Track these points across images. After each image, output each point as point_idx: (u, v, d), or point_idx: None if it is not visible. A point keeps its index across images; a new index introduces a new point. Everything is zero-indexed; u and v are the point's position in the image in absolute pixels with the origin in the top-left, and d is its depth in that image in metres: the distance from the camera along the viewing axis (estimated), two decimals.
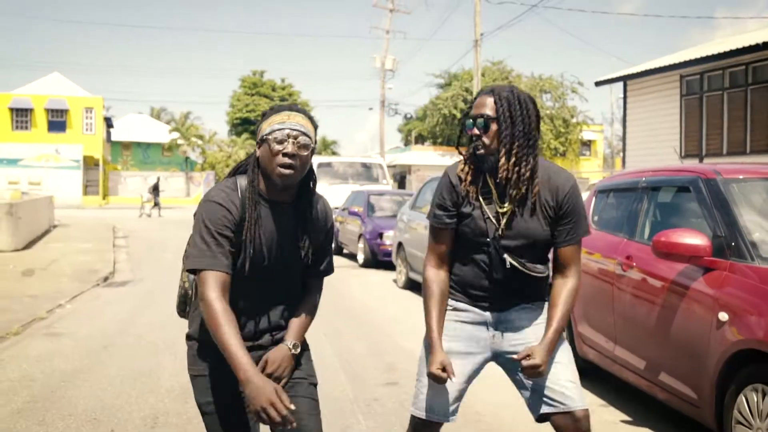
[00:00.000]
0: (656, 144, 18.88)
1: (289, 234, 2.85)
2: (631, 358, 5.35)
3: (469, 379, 3.23)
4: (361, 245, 16.10)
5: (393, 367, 6.89)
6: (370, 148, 62.22)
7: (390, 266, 14.42)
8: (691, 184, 5.17)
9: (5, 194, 24.23)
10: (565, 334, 3.16)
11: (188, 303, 3.00)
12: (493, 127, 3.02)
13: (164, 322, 8.64)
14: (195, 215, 2.77)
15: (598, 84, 22.91)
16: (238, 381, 2.55)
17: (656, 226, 5.46)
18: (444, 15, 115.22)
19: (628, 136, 21.67)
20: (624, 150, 21.83)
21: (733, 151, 17.62)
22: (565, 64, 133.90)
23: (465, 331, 3.20)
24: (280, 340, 2.88)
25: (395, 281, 13.31)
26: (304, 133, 2.76)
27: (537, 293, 3.22)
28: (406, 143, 56.89)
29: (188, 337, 2.93)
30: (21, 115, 51.09)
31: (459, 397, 3.21)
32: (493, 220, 3.08)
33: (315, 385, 3.00)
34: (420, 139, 53.58)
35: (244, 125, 67.69)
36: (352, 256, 17.37)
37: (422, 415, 3.17)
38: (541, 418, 3.10)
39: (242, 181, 2.81)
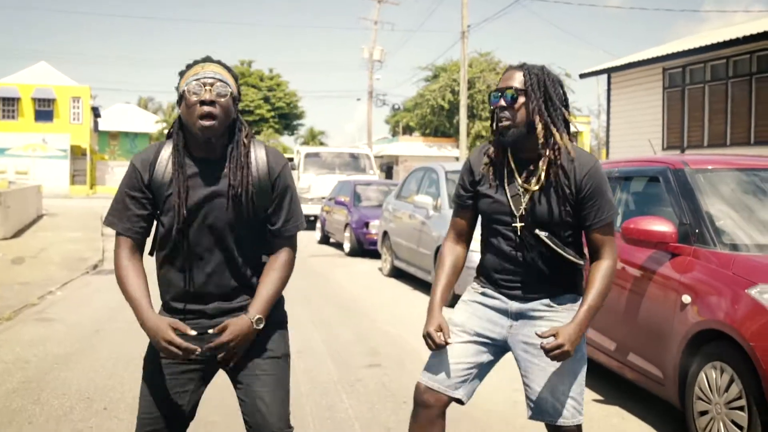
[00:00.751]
0: (639, 136, 19.14)
1: (220, 192, 2.74)
2: (602, 340, 5.60)
3: (477, 360, 3.13)
4: (347, 234, 16.31)
5: (376, 351, 7.12)
6: (358, 139, 62.34)
7: (376, 255, 14.63)
8: (660, 174, 5.40)
9: None
10: (585, 345, 3.11)
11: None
12: (521, 100, 2.96)
13: (153, 307, 8.85)
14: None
15: (582, 76, 23.16)
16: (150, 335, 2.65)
17: (628, 214, 5.69)
18: (432, 6, 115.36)
19: (611, 128, 21.93)
20: (608, 141, 22.11)
21: (713, 143, 17.91)
22: (552, 56, 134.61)
23: (485, 313, 3.16)
24: (233, 310, 2.80)
25: (380, 269, 13.53)
26: (221, 80, 2.69)
27: (569, 282, 3.12)
28: (394, 134, 57.00)
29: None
30: (8, 105, 50.97)
31: (466, 374, 3.11)
32: (518, 199, 3.02)
33: (279, 357, 2.87)
34: (408, 130, 53.70)
35: None
36: (339, 245, 17.58)
37: (426, 382, 3.11)
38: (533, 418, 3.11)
39: (168, 144, 2.79)
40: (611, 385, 5.86)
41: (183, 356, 2.62)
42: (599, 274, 2.99)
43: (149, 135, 64.22)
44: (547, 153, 2.97)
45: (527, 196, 3.02)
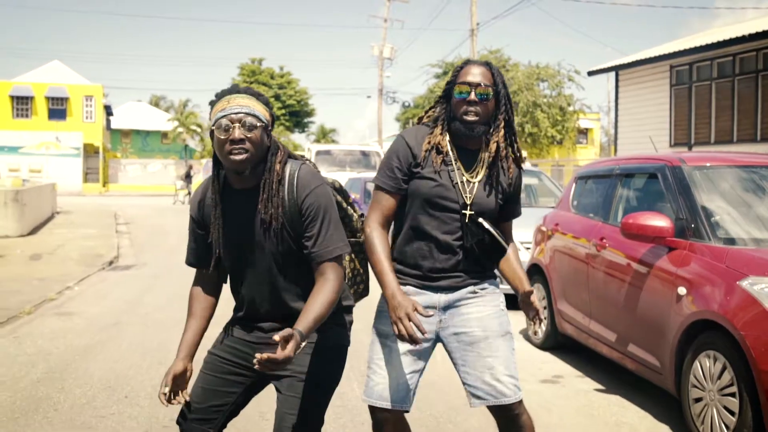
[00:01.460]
0: (646, 132, 19.21)
1: (254, 221, 2.77)
2: (603, 331, 5.80)
3: (417, 367, 3.18)
4: None
5: None
6: (368, 136, 62.61)
7: None
8: (659, 171, 5.60)
9: (6, 182, 24.59)
10: (509, 323, 3.24)
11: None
12: (491, 98, 3.09)
13: (169, 302, 9.12)
14: None
15: (591, 74, 23.30)
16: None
17: (628, 210, 5.89)
18: (441, 4, 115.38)
19: (620, 125, 22.07)
20: (616, 138, 22.25)
21: (720, 140, 18.04)
22: (561, 53, 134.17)
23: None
24: (282, 328, 2.72)
25: None
26: (250, 114, 2.68)
27: (491, 269, 3.27)
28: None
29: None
30: (21, 103, 51.37)
31: (410, 385, 3.16)
32: (463, 187, 3.11)
33: (317, 384, 2.85)
34: None
35: None
36: None
37: (376, 402, 3.13)
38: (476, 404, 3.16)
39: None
40: (612, 375, 6.06)
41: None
42: (514, 255, 3.31)
43: (161, 133, 64.58)
44: (494, 148, 3.11)
45: (471, 186, 3.12)
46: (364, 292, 3.33)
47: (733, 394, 4.24)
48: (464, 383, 3.16)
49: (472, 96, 3.05)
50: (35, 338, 7.38)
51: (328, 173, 22.31)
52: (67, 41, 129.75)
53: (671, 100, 19.74)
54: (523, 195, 5.92)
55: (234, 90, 2.76)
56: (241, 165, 2.66)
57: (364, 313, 3.74)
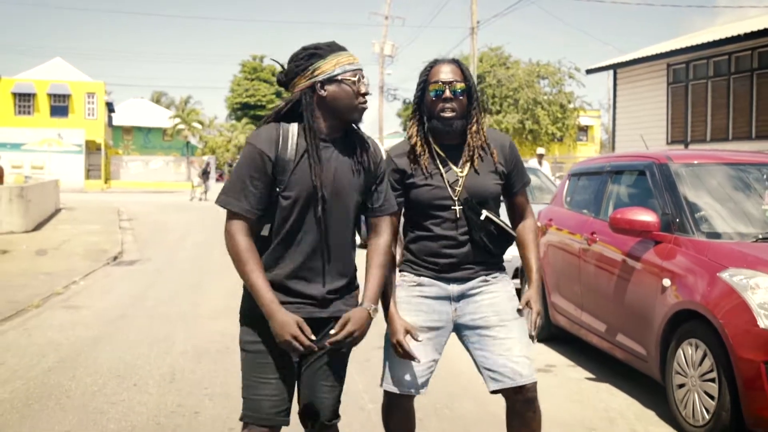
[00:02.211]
0: (644, 130, 19.42)
1: (347, 168, 2.91)
2: (594, 322, 6.03)
3: (435, 357, 3.32)
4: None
5: (383, 332, 7.55)
6: (369, 133, 62.43)
7: None
8: (647, 169, 5.83)
9: (9, 178, 24.81)
10: (520, 306, 3.33)
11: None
12: (464, 93, 3.25)
13: (173, 296, 9.40)
14: (239, 156, 2.89)
15: (589, 72, 23.54)
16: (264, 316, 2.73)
17: (618, 205, 6.11)
18: (442, 1, 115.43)
19: (617, 122, 22.29)
20: (613, 135, 22.47)
21: (716, 138, 18.27)
22: (562, 52, 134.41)
23: (428, 305, 3.31)
24: (337, 296, 2.93)
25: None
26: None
27: (501, 258, 3.39)
28: (405, 128, 57.36)
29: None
30: (24, 100, 51.58)
31: (427, 372, 3.31)
32: (456, 183, 3.25)
33: (344, 353, 3.00)
34: None
35: (243, 110, 68.24)
36: None
37: (394, 389, 3.29)
38: (494, 391, 3.26)
39: (288, 125, 2.88)
40: (603, 364, 6.29)
41: (303, 351, 2.75)
42: (531, 234, 3.44)
43: (162, 130, 64.79)
44: (473, 137, 3.27)
45: (463, 179, 3.26)
46: None
47: (712, 380, 4.47)
48: (482, 368, 3.28)
49: (447, 93, 3.22)
50: (44, 330, 7.61)
51: None
52: (69, 38, 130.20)
53: (668, 98, 19.96)
54: None
55: (344, 48, 2.95)
56: (361, 116, 2.96)
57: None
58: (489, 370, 3.23)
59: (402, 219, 3.42)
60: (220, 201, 2.83)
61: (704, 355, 4.55)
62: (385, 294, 3.21)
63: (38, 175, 41.12)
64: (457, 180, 3.26)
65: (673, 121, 19.81)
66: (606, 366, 6.24)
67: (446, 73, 3.25)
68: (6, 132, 49.55)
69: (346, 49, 2.94)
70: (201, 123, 63.65)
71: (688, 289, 4.79)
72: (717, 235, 5.05)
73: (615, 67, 22.11)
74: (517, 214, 3.48)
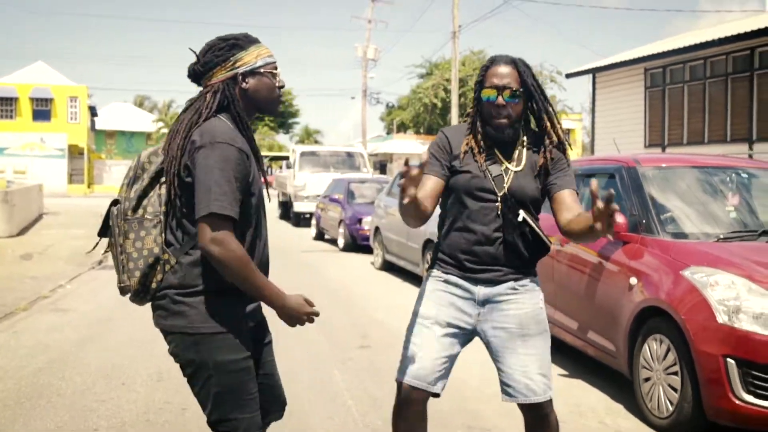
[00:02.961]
0: (622, 134, 19.81)
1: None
2: (566, 320, 6.26)
3: (452, 353, 3.23)
4: (341, 230, 16.92)
5: (366, 334, 7.78)
6: (353, 137, 62.97)
7: (368, 250, 15.16)
8: (616, 172, 6.07)
9: None
10: (547, 322, 3.30)
11: (156, 269, 2.77)
12: (521, 98, 3.11)
13: None
14: (208, 156, 2.61)
15: (569, 76, 23.86)
16: (275, 309, 2.73)
17: (588, 207, 6.33)
18: (425, 5, 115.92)
19: (596, 126, 22.62)
20: (593, 139, 22.79)
21: (692, 141, 18.63)
22: (543, 55, 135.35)
23: (452, 303, 3.22)
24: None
25: (372, 263, 14.16)
26: None
27: (533, 264, 3.27)
28: (389, 132, 57.63)
29: (201, 293, 2.72)
30: (5, 104, 51.44)
31: (443, 369, 3.21)
32: (501, 179, 3.14)
33: (270, 343, 3.13)
34: (402, 128, 54.32)
35: None
36: (333, 241, 18.20)
37: (410, 381, 3.18)
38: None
39: (222, 118, 2.77)
40: (575, 361, 6.52)
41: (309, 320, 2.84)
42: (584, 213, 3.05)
43: (145, 134, 64.69)
44: (529, 137, 3.18)
45: (509, 175, 3.14)
46: None
47: (676, 373, 4.71)
48: (499, 378, 3.25)
49: (500, 100, 3.08)
50: (33, 332, 7.76)
51: (313, 174, 22.81)
52: (51, 42, 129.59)
53: (645, 102, 20.32)
54: None
55: (258, 39, 2.89)
56: (278, 109, 3.00)
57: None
58: (504, 382, 3.22)
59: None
60: (215, 207, 2.56)
61: (668, 350, 4.79)
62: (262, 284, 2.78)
63: (21, 179, 41.00)
64: (501, 175, 3.16)
65: (651, 124, 20.15)
66: (579, 363, 6.47)
67: (500, 77, 3.10)
68: None
69: (260, 41, 2.89)
70: None
71: (653, 286, 5.03)
72: (683, 235, 5.29)
73: (594, 71, 22.45)
74: (566, 209, 3.14)
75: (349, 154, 25.18)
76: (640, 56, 20.13)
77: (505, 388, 3.20)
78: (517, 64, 3.14)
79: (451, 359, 3.24)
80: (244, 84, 2.79)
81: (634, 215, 5.54)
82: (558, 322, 6.42)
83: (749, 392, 4.34)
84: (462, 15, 34.30)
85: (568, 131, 55.30)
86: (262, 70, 2.80)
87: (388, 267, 13.32)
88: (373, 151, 45.82)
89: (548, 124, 3.18)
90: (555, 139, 3.18)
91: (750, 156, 15.92)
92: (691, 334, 4.55)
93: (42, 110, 52.04)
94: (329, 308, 9.37)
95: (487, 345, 3.26)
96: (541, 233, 3.14)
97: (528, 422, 3.27)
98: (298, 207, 22.87)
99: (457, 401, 5.39)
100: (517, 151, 3.18)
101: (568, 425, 4.96)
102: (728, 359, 4.36)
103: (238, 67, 2.78)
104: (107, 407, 5.30)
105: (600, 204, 2.69)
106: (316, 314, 2.85)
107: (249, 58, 2.78)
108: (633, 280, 5.20)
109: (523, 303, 3.20)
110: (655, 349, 4.93)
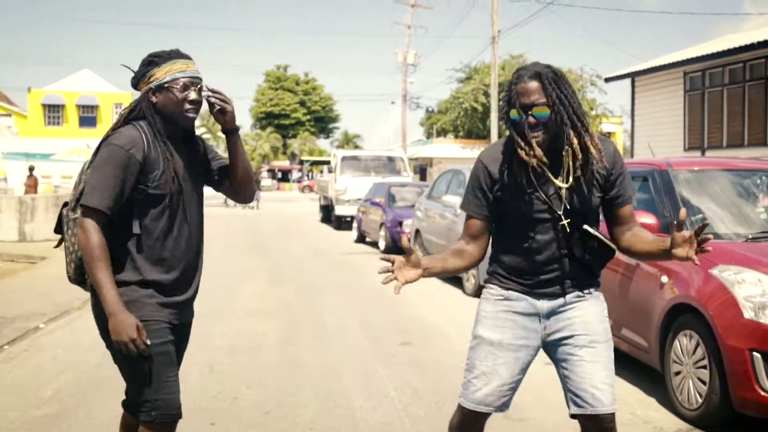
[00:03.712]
0: (662, 137, 19.86)
1: (191, 165, 3.14)
2: None
3: (521, 376, 3.16)
4: (382, 233, 17.21)
5: (407, 331, 8.04)
6: (393, 141, 63.27)
7: None
8: (649, 175, 6.28)
9: (39, 188, 25.41)
10: (610, 330, 3.17)
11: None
12: (547, 113, 2.93)
13: (207, 295, 9.88)
14: (97, 156, 2.97)
15: (608, 80, 23.94)
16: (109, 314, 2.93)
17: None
18: (464, 10, 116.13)
19: (636, 130, 22.62)
20: (632, 143, 22.81)
21: (732, 144, 18.62)
22: (582, 59, 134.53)
23: (515, 322, 3.11)
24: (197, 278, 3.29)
25: None
26: (200, 79, 3.08)
27: (599, 273, 3.19)
28: (428, 136, 57.88)
29: (124, 283, 3.01)
30: (53, 111, 52.54)
31: (510, 392, 3.16)
32: (557, 197, 3.00)
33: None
34: (442, 132, 54.50)
35: (268, 119, 69.07)
36: (374, 244, 18.49)
37: (474, 407, 3.13)
38: (574, 416, 3.09)
39: (141, 126, 3.02)
40: None
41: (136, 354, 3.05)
42: (642, 231, 3.16)
43: None
44: (575, 148, 2.97)
45: (563, 191, 3.00)
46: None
47: (704, 367, 4.92)
48: (565, 388, 3.10)
49: (531, 119, 2.93)
50: (88, 330, 8.05)
51: (354, 178, 23.10)
52: (96, 50, 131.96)
53: (685, 106, 20.32)
54: None
55: (183, 55, 3.10)
56: (193, 123, 3.14)
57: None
58: (572, 392, 3.05)
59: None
60: (84, 199, 2.90)
61: (697, 345, 5.00)
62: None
63: (67, 184, 41.81)
64: (556, 193, 3.02)
65: (690, 127, 20.16)
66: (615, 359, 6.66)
67: (527, 94, 2.93)
68: (36, 142, 50.26)
69: (188, 57, 3.09)
70: None
71: (683, 284, 5.24)
72: (717, 237, 5.48)
73: (633, 75, 22.47)
74: (623, 223, 3.16)
75: (390, 159, 25.42)
76: (679, 60, 20.15)
77: (573, 398, 3.04)
78: (541, 78, 2.94)
79: (520, 381, 3.18)
80: (153, 98, 3.05)
81: (665, 216, 5.75)
82: None
83: None
84: (501, 20, 34.62)
85: (609, 134, 55.09)
86: (167, 85, 3.01)
87: None
88: (413, 156, 46.06)
89: (576, 140, 2.97)
90: (594, 152, 2.99)
91: None
92: (719, 329, 4.75)
93: (88, 117, 53.00)
94: (371, 308, 9.68)
95: (554, 356, 3.15)
96: (605, 240, 3.07)
97: None
98: (340, 210, 23.17)
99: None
100: (565, 165, 3.00)
101: None
102: (754, 353, 4.56)
103: (151, 82, 3.05)
104: None
105: (687, 234, 2.92)
106: (146, 347, 2.97)
107: (159, 74, 3.02)
108: (664, 279, 5.41)
109: (588, 309, 3.10)
110: (685, 344, 5.14)
